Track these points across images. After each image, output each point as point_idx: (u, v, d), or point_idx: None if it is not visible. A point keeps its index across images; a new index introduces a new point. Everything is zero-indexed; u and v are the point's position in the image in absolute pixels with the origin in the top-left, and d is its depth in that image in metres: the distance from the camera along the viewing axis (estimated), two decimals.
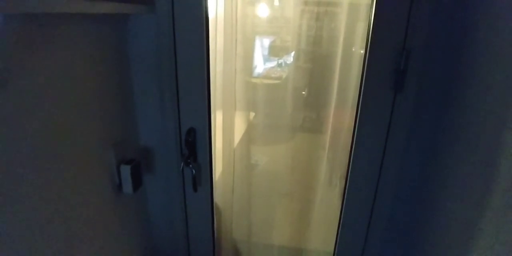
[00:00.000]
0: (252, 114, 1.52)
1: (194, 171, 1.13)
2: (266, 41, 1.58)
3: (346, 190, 1.15)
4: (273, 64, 1.52)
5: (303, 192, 1.69)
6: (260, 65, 1.50)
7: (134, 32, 1.02)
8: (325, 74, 1.32)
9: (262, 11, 1.41)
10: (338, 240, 1.25)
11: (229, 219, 1.74)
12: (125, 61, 1.04)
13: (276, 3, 1.41)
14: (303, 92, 1.38)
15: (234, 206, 1.74)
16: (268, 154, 1.70)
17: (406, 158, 1.06)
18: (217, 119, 1.46)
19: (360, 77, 1.04)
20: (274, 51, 1.51)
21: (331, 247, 1.36)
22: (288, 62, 1.47)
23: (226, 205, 1.72)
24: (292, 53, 1.41)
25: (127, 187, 1.05)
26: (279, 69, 1.51)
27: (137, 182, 1.08)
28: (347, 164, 1.52)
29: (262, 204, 1.78)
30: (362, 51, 1.19)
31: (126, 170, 1.03)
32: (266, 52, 1.52)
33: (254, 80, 1.44)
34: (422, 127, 1.01)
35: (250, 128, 1.53)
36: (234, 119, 1.54)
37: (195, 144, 1.12)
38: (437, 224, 0.91)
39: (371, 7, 0.95)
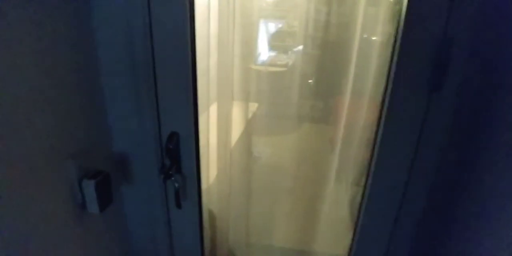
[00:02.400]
0: (254, 105, 1.40)
1: (177, 184, 0.93)
2: (271, 26, 1.42)
3: (367, 199, 0.93)
4: (278, 51, 1.42)
5: (309, 189, 1.52)
6: (264, 52, 1.39)
7: (98, 10, 0.80)
8: (335, 62, 1.22)
9: None
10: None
11: (225, 226, 1.56)
12: (86, 47, 0.82)
13: None
14: (310, 81, 1.30)
15: (231, 212, 1.55)
16: (272, 146, 1.54)
17: (442, 170, 0.85)
18: (211, 113, 1.28)
19: (378, 67, 0.94)
20: (279, 37, 1.42)
21: (340, 250, 1.21)
22: (294, 48, 1.37)
23: (221, 211, 1.55)
24: (299, 39, 1.31)
25: (93, 206, 0.85)
26: (285, 56, 1.42)
27: (105, 200, 0.88)
28: (360, 166, 1.34)
29: (263, 206, 1.61)
30: (375, 38, 1.13)
31: (89, 186, 0.83)
32: (271, 38, 1.40)
33: (257, 68, 1.34)
34: (463, 134, 0.79)
35: (253, 120, 1.40)
36: (231, 113, 1.35)
37: (178, 152, 0.92)
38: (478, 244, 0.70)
39: None
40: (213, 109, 1.31)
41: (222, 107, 1.33)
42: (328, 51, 1.25)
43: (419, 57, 0.75)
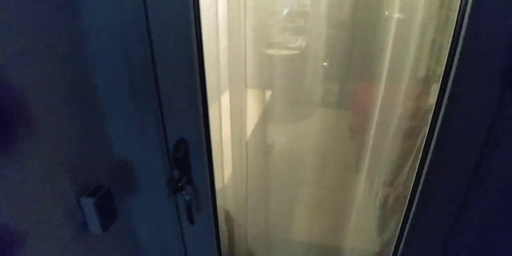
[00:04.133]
0: (267, 93, 1.28)
1: (188, 197, 0.80)
2: (280, 6, 1.27)
3: (417, 201, 0.78)
4: (290, 32, 1.31)
5: (331, 181, 1.39)
6: (275, 34, 1.26)
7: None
8: (354, 43, 1.13)
9: None
10: None
11: (243, 227, 1.46)
12: (78, 42, 0.67)
13: None
14: (324, 64, 1.19)
15: (248, 212, 1.44)
16: (290, 136, 1.40)
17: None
18: (223, 103, 1.15)
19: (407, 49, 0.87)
20: (291, 17, 1.29)
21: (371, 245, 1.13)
22: (307, 29, 1.26)
23: (239, 211, 1.43)
24: (312, 19, 1.22)
25: (94, 226, 0.74)
26: (297, 38, 1.31)
27: (108, 217, 0.76)
28: (391, 164, 1.19)
29: (283, 202, 1.48)
30: (398, 15, 1.03)
31: (88, 204, 0.71)
32: (281, 19, 1.28)
33: (269, 52, 1.21)
34: None
35: (268, 109, 1.28)
36: (245, 102, 1.21)
37: (187, 161, 0.78)
38: None
39: None
40: (225, 98, 1.17)
41: (235, 97, 1.18)
42: (345, 32, 1.14)
43: (488, 38, 0.58)
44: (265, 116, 1.31)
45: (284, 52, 1.26)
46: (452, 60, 0.61)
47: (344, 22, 1.13)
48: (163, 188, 0.81)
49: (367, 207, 1.30)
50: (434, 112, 0.67)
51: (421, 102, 1.09)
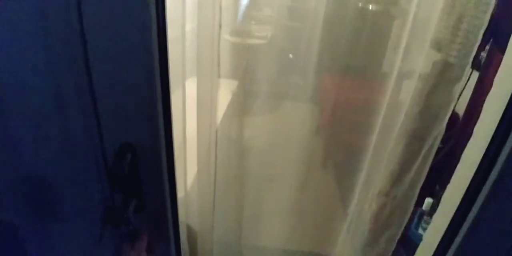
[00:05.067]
0: (233, 83, 1.16)
1: (135, 230, 0.53)
2: None
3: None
4: (256, 21, 1.22)
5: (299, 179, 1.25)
6: (241, 21, 1.17)
7: None
8: (323, 35, 1.05)
9: None
10: None
11: (209, 244, 1.20)
12: None
13: None
14: (290, 55, 1.15)
15: (215, 226, 1.19)
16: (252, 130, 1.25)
17: None
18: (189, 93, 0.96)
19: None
20: (257, 5, 1.20)
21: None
22: (275, 18, 1.21)
23: (204, 224, 1.18)
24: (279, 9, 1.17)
25: None
26: (264, 27, 1.24)
27: None
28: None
29: (256, 207, 1.28)
30: (372, 7, 1.05)
31: None
32: (246, 5, 1.17)
33: (234, 40, 1.14)
34: None
35: (234, 101, 1.17)
36: (217, 93, 1.04)
37: (135, 178, 0.51)
38: None
39: None
40: (191, 86, 0.97)
41: (203, 85, 0.96)
42: (314, 22, 1.08)
43: None
44: (233, 109, 1.17)
45: (250, 41, 1.17)
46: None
47: (311, 14, 1.07)
48: (98, 221, 0.53)
49: (337, 206, 1.17)
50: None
51: (388, 98, 1.01)
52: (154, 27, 0.43)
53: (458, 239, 0.52)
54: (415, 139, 0.94)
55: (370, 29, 1.01)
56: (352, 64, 1.09)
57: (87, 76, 0.45)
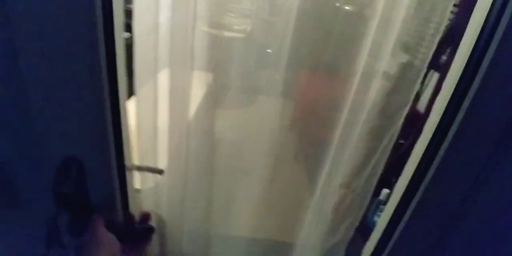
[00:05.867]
0: (208, 76, 1.15)
1: None
2: None
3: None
4: (235, 14, 1.22)
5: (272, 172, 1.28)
6: (218, 14, 1.15)
7: None
8: (300, 31, 1.06)
9: None
10: None
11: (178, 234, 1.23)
12: None
13: None
14: (269, 50, 1.15)
15: (185, 217, 1.22)
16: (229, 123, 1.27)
17: None
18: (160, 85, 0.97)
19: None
20: None
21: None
22: (254, 10, 1.20)
23: (174, 215, 1.20)
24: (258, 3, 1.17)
25: None
26: (243, 20, 1.23)
27: None
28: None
29: (226, 200, 1.31)
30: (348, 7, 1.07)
31: None
32: None
33: (212, 32, 1.10)
34: None
35: (209, 94, 1.17)
36: (190, 85, 1.02)
37: (82, 200, 0.51)
38: None
39: None
40: (162, 78, 0.96)
41: (176, 77, 0.96)
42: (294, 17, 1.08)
43: None
44: (206, 101, 1.16)
45: (228, 34, 1.16)
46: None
47: (287, 9, 1.05)
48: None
49: (302, 197, 1.21)
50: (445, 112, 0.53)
51: (353, 96, 1.05)
52: (100, 27, 0.43)
53: (402, 224, 0.59)
54: (374, 136, 1.01)
55: (342, 28, 1.04)
56: (323, 61, 1.11)
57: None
